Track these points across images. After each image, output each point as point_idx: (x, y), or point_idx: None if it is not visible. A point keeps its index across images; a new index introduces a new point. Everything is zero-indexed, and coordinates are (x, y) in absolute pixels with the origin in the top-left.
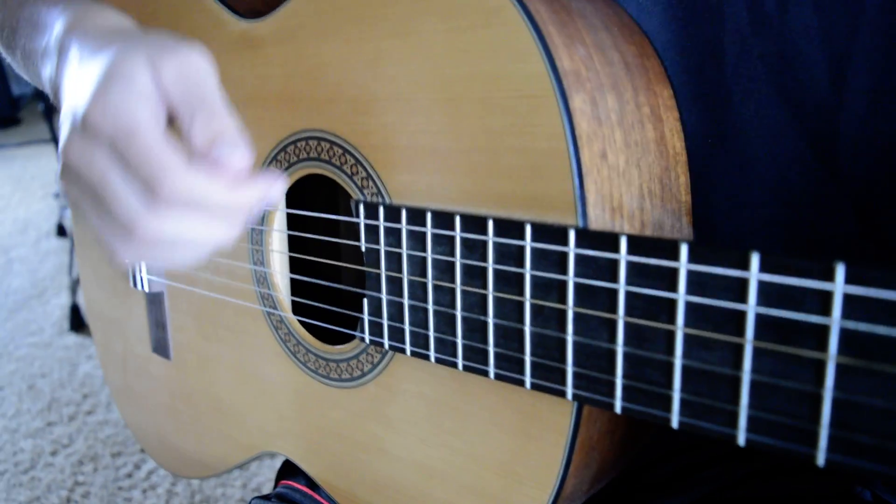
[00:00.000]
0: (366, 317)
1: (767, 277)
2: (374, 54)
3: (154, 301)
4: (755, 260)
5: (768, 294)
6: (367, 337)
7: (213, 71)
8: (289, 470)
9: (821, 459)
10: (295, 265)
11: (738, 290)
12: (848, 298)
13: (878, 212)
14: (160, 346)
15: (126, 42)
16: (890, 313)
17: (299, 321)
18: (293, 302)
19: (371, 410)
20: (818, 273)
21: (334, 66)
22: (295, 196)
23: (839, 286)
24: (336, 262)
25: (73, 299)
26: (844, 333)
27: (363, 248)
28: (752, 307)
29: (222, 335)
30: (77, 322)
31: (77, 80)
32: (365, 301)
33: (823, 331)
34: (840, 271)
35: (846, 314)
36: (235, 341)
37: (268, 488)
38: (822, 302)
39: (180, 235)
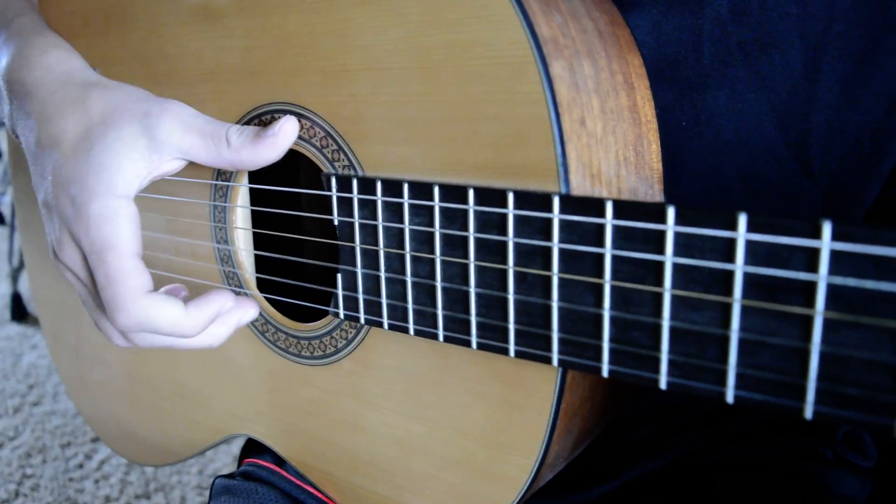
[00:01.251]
0: (340, 291)
1: (755, 237)
2: (343, 24)
3: None
4: (742, 220)
5: (756, 253)
6: (341, 312)
7: (189, 119)
8: (253, 448)
9: (808, 413)
10: (259, 241)
11: (725, 250)
12: (835, 254)
13: (847, 205)
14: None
15: (104, 126)
16: (876, 267)
17: (267, 299)
18: (259, 279)
19: (346, 387)
20: (805, 231)
21: (301, 37)
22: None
23: (826, 243)
24: (302, 236)
25: (13, 288)
26: (831, 289)
27: (336, 222)
28: (739, 267)
29: None
30: (19, 312)
31: (55, 170)
32: (339, 276)
33: (811, 287)
34: (827, 228)
35: (833, 270)
36: None
37: (225, 472)
38: (809, 259)
39: (148, 343)
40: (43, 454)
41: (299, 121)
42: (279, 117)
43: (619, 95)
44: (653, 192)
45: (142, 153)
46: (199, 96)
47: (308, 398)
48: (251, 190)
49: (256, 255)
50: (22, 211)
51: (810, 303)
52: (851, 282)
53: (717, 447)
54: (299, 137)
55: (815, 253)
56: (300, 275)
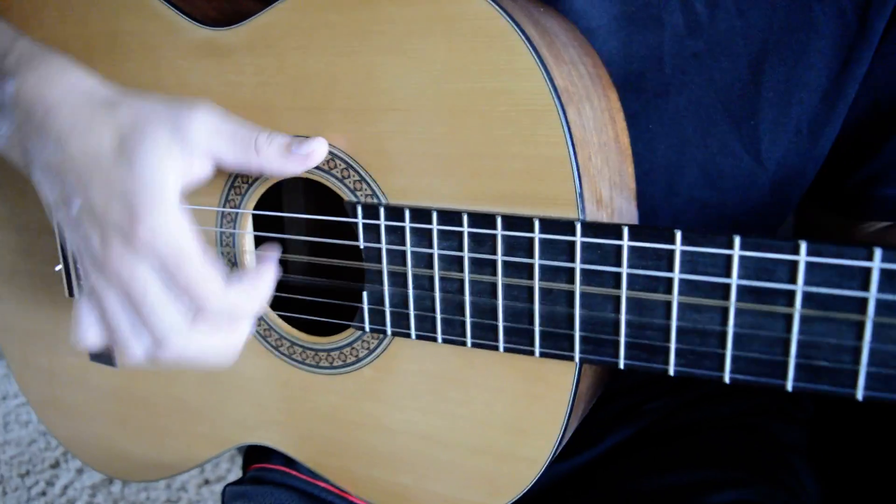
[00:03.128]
0: (365, 307)
1: (747, 254)
2: (367, 68)
3: None
4: (737, 240)
5: (747, 267)
6: (367, 326)
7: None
8: (256, 455)
9: (790, 387)
10: None
11: (723, 265)
12: (809, 266)
13: (792, 191)
14: (101, 356)
15: (139, 132)
16: (839, 276)
17: (280, 316)
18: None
19: (368, 392)
20: (786, 249)
21: (321, 78)
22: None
23: (802, 258)
24: (310, 257)
25: None
26: (807, 293)
27: (362, 247)
28: (734, 280)
29: None
30: None
31: (97, 178)
32: (364, 293)
33: (791, 292)
34: (803, 246)
35: (807, 279)
36: None
37: (192, 485)
38: (790, 270)
39: (201, 350)
40: (2, 485)
41: None
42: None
43: (607, 129)
44: (631, 208)
45: (177, 156)
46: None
47: (326, 404)
48: (254, 216)
49: None
50: None
51: (791, 304)
52: (822, 287)
53: (680, 412)
54: (317, 168)
55: (794, 265)
56: (311, 292)
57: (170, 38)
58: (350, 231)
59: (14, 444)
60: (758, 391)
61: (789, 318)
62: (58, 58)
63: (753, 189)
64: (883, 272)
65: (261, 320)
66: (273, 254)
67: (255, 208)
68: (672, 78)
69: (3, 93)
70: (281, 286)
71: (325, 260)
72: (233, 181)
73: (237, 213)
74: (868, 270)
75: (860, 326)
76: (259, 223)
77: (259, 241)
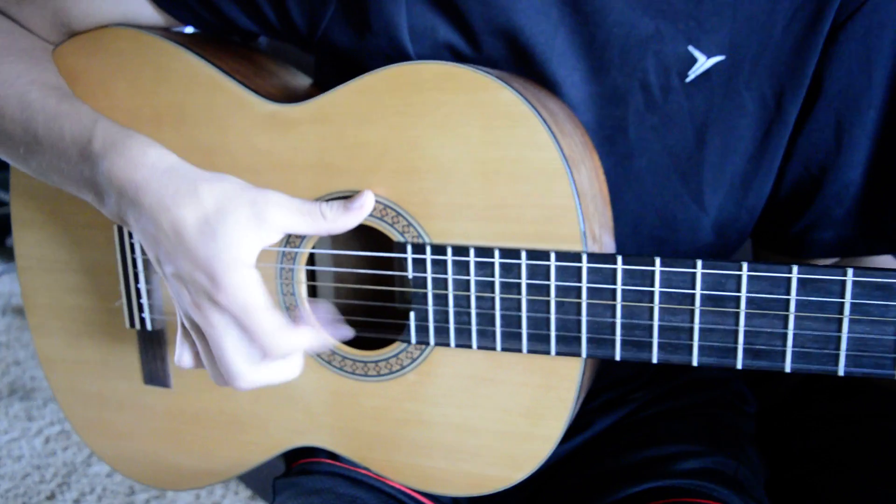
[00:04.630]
0: (412, 324)
1: (706, 271)
2: (416, 139)
3: (151, 338)
4: (699, 263)
5: (707, 281)
6: (413, 338)
7: (289, 203)
8: (300, 452)
9: (739, 365)
10: (313, 292)
11: (690, 280)
12: (750, 278)
13: (729, 232)
14: (156, 378)
15: (221, 213)
16: (771, 285)
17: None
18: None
19: (410, 394)
20: (733, 267)
21: (375, 145)
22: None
23: (745, 273)
24: (358, 285)
25: None
26: (749, 298)
27: (410, 277)
28: (699, 291)
29: None
30: None
31: (185, 252)
32: (412, 314)
33: (738, 298)
34: (745, 265)
35: (749, 288)
36: None
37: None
38: (736, 282)
39: (266, 380)
40: None
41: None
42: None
43: (595, 183)
44: (612, 242)
45: (255, 232)
46: (268, 183)
47: (373, 406)
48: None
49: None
50: (26, 278)
51: (738, 306)
52: (759, 293)
53: (655, 402)
54: (371, 216)
55: (739, 278)
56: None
57: (238, 110)
58: (389, 266)
59: (8, 479)
60: (715, 386)
61: (737, 315)
62: (138, 138)
63: (699, 230)
64: (799, 280)
65: None
66: (325, 306)
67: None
68: (635, 144)
69: (100, 174)
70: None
71: (378, 287)
72: None
73: (296, 252)
74: (790, 279)
75: (786, 319)
76: (313, 261)
77: (310, 275)
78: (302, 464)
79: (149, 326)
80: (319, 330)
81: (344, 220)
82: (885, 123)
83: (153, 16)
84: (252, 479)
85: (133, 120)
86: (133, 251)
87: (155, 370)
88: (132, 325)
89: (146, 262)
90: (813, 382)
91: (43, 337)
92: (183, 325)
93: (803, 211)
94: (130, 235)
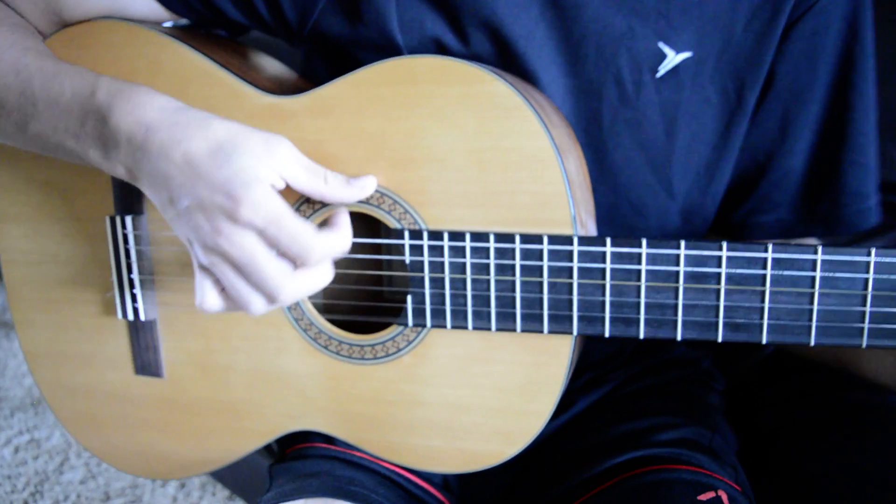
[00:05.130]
0: (409, 307)
1: (689, 252)
2: (412, 129)
3: (143, 328)
4: (683, 243)
5: (689, 259)
6: (410, 321)
7: (298, 154)
8: (294, 438)
9: (719, 339)
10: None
11: (675, 259)
12: (729, 259)
13: (695, 218)
14: (148, 368)
15: (233, 143)
16: (748, 263)
17: (329, 320)
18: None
19: (406, 375)
20: (714, 247)
21: (372, 136)
22: None
23: (724, 253)
24: (360, 271)
25: None
26: (728, 274)
27: (407, 262)
28: (682, 269)
29: (236, 345)
30: None
31: (200, 178)
32: (409, 297)
33: (718, 275)
34: (724, 245)
35: (728, 265)
36: (252, 348)
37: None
38: (717, 261)
39: (306, 289)
40: None
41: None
42: None
43: (580, 172)
44: (594, 226)
45: (267, 164)
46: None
47: (369, 389)
48: None
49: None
50: (10, 272)
51: (718, 282)
52: (737, 269)
53: (633, 381)
54: (368, 202)
55: (720, 257)
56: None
57: (235, 102)
58: (385, 252)
59: None
60: (687, 365)
61: (718, 291)
62: (142, 87)
63: (668, 217)
64: (774, 260)
65: (311, 326)
66: (345, 214)
67: None
68: (609, 137)
69: (106, 124)
70: (328, 294)
71: (367, 272)
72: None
73: None
74: (766, 258)
75: (763, 294)
76: None
77: None
78: (297, 449)
79: (142, 317)
80: (344, 231)
81: (343, 191)
82: (826, 117)
83: (145, 6)
84: (230, 478)
85: None
86: (126, 241)
87: (147, 360)
88: (124, 315)
89: (139, 253)
90: (773, 361)
91: (28, 331)
92: (201, 266)
93: (748, 195)
94: (123, 226)
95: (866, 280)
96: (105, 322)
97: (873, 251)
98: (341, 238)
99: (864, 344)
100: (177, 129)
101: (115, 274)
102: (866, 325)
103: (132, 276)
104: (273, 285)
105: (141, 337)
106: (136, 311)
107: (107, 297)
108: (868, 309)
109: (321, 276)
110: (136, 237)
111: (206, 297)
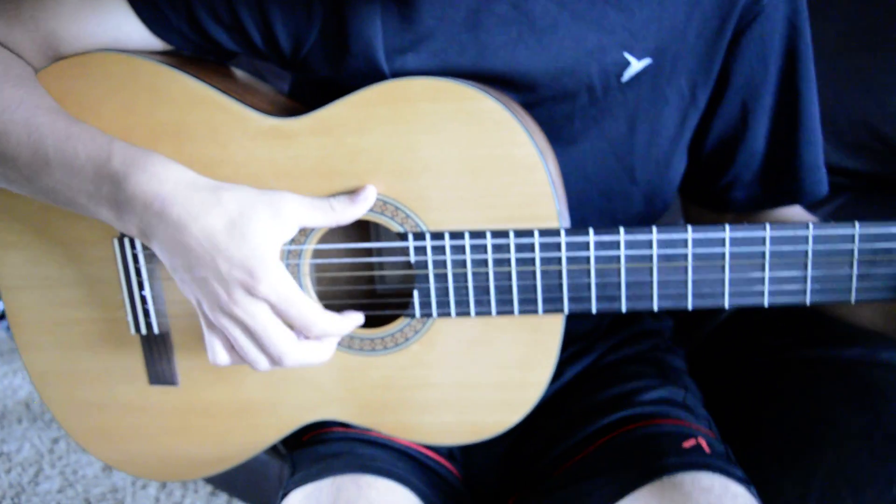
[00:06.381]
0: (416, 301)
1: (661, 236)
2: (409, 144)
3: (156, 341)
4: (654, 229)
5: (661, 242)
6: (417, 313)
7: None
8: (310, 427)
9: (690, 307)
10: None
11: (648, 243)
12: (695, 240)
13: (656, 203)
14: (162, 378)
15: (245, 217)
16: (710, 242)
17: None
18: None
19: (414, 362)
20: (681, 231)
21: (373, 150)
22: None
23: (690, 235)
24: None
25: None
26: (694, 254)
27: (413, 261)
28: (655, 252)
29: None
30: None
31: (220, 253)
32: (415, 292)
33: (686, 255)
34: (690, 228)
35: (694, 244)
36: None
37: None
38: (684, 242)
39: (307, 359)
40: None
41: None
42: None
43: (556, 170)
44: (568, 217)
45: (279, 228)
46: (272, 188)
47: (382, 376)
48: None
49: (327, 291)
50: (12, 298)
51: (686, 261)
52: (702, 248)
53: (613, 351)
54: (372, 210)
55: (686, 240)
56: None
57: (238, 125)
58: (377, 254)
59: None
60: (656, 335)
61: (686, 269)
62: (157, 156)
63: (632, 201)
64: (732, 238)
65: None
66: (357, 315)
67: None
68: (579, 132)
69: (122, 191)
70: (328, 296)
71: (361, 273)
72: None
73: (301, 249)
74: (724, 238)
75: (723, 268)
76: (318, 255)
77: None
78: (315, 434)
79: (156, 330)
80: (343, 317)
81: (351, 210)
82: (779, 105)
83: (141, 40)
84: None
85: (126, 140)
86: (136, 261)
87: (161, 370)
88: (137, 330)
89: (150, 271)
90: (728, 327)
91: (33, 353)
92: (211, 324)
93: (721, 175)
94: (133, 246)
95: (763, 252)
96: (116, 338)
97: (768, 227)
98: (345, 322)
99: (769, 304)
100: (191, 204)
101: (127, 292)
102: (766, 289)
103: (143, 292)
104: (279, 351)
105: (154, 349)
106: (149, 325)
107: (118, 315)
108: (766, 275)
109: (323, 350)
110: (146, 256)
111: (217, 355)
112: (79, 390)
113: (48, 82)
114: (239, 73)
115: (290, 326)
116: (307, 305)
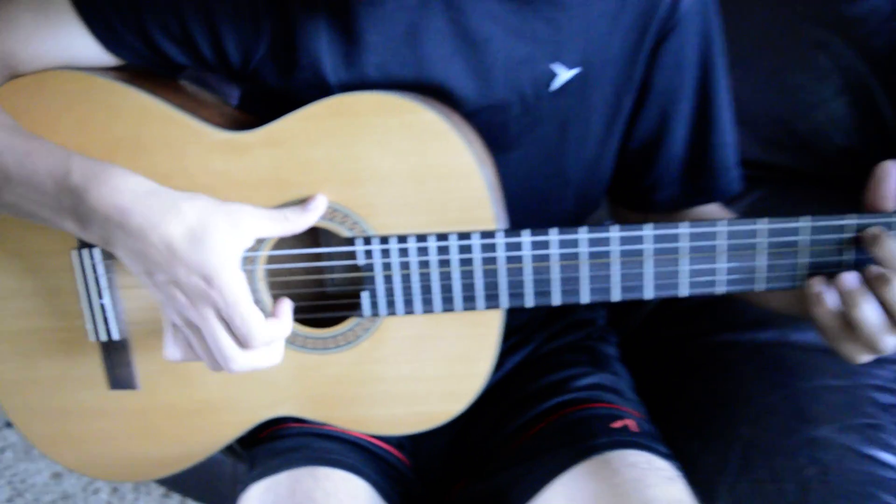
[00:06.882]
0: (365, 301)
1: (622, 234)
2: (357, 155)
3: (116, 346)
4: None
5: (623, 239)
6: (367, 313)
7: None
8: (266, 424)
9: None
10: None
11: (608, 241)
12: (655, 237)
13: (586, 202)
14: (122, 382)
15: (203, 225)
16: (633, 239)
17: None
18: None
19: (365, 358)
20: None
21: (322, 162)
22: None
23: (649, 233)
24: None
25: None
26: (655, 248)
27: (361, 264)
28: (615, 248)
29: None
30: None
31: (178, 260)
32: (363, 294)
33: (642, 250)
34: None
35: (655, 240)
36: None
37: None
38: (637, 239)
39: (253, 364)
40: None
41: None
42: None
43: (494, 175)
44: (506, 216)
45: (236, 238)
46: (227, 199)
47: (334, 373)
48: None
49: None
50: None
51: (611, 257)
52: (626, 246)
53: (549, 341)
54: (322, 217)
55: (612, 238)
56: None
57: (193, 138)
58: (327, 258)
59: None
60: (588, 325)
61: (610, 264)
62: (115, 168)
63: (564, 200)
64: (653, 236)
65: None
66: (288, 302)
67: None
68: (514, 139)
69: (83, 204)
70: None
71: (311, 277)
72: None
73: (255, 256)
74: (643, 236)
75: (643, 263)
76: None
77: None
78: (272, 431)
79: (115, 337)
80: (284, 320)
81: (303, 219)
82: (695, 111)
83: (96, 56)
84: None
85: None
86: (95, 270)
87: (120, 375)
88: (97, 337)
89: (109, 280)
90: (655, 317)
91: None
92: (173, 324)
93: (644, 177)
94: (91, 256)
95: (681, 248)
96: (74, 345)
97: (686, 224)
98: (281, 326)
99: (687, 294)
100: (151, 213)
101: (86, 301)
102: (685, 280)
103: (102, 301)
104: (224, 356)
105: (113, 355)
106: (108, 331)
107: (77, 325)
108: (685, 268)
109: (270, 356)
110: (105, 265)
111: (173, 351)
112: (38, 398)
113: (4, 100)
114: (189, 86)
115: (233, 334)
116: (251, 317)
